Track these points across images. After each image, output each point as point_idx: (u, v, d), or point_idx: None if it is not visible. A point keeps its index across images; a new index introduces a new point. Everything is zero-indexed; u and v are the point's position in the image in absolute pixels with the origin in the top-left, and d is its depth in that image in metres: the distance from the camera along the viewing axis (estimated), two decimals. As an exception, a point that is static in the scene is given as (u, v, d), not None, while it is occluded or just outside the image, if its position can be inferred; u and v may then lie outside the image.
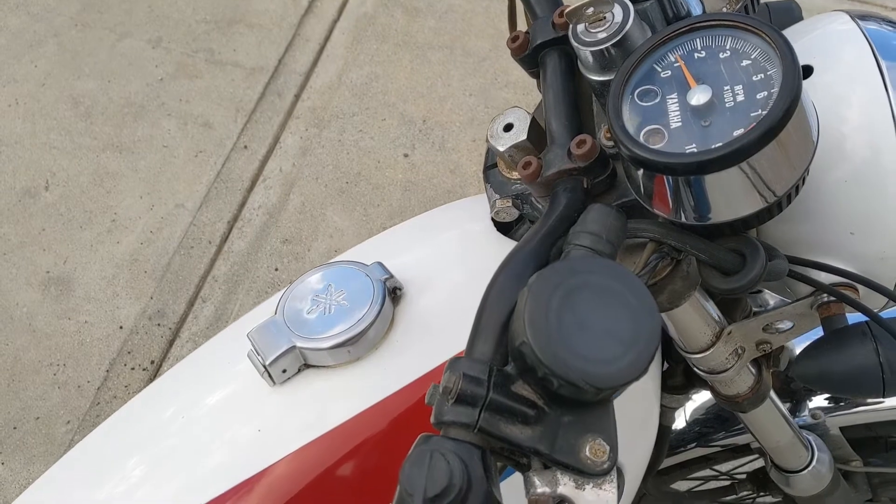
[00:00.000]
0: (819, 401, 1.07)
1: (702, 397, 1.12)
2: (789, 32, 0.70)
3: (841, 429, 1.05)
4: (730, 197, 0.53)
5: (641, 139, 0.54)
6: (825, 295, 0.66)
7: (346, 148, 2.27)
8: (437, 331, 0.67)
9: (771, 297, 0.90)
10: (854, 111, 0.63)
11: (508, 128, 0.67)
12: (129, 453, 0.69)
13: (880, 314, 0.66)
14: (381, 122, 2.31)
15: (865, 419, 1.02)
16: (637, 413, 0.78)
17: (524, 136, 0.66)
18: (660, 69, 0.57)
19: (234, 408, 0.67)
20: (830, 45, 0.66)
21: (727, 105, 0.53)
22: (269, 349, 0.65)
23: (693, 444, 1.10)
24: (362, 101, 2.36)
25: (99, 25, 2.52)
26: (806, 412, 1.04)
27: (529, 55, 0.69)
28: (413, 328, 0.67)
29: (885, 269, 0.64)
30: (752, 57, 0.54)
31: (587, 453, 0.48)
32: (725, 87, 0.54)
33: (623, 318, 0.47)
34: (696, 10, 0.64)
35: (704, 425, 1.11)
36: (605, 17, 0.60)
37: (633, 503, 1.26)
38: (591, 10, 0.59)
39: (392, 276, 0.68)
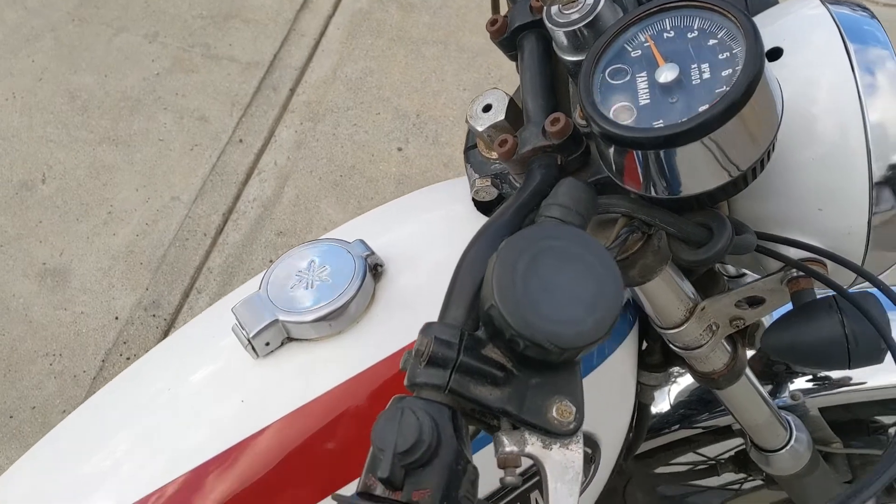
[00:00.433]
0: (800, 383, 1.09)
1: (686, 380, 1.14)
2: (763, 16, 0.72)
3: (821, 411, 1.06)
4: (695, 171, 0.55)
5: (611, 115, 0.56)
6: (794, 270, 0.67)
7: (341, 141, 2.28)
8: (417, 306, 0.69)
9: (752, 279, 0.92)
10: (823, 92, 0.65)
11: (487, 108, 0.69)
12: (115, 427, 0.71)
13: (850, 289, 0.68)
14: (376, 117, 2.33)
15: (843, 400, 1.04)
16: (613, 388, 0.79)
17: (502, 117, 0.68)
18: (630, 49, 0.59)
19: (218, 380, 0.69)
20: (801, 28, 0.68)
21: (694, 82, 0.55)
22: (252, 323, 0.66)
23: (676, 426, 1.12)
24: (357, 95, 2.37)
25: (96, 20, 2.54)
26: (786, 393, 1.05)
27: (508, 38, 0.71)
28: (393, 303, 0.69)
29: (852, 243, 0.66)
30: (719, 36, 0.56)
31: (554, 414, 0.50)
32: (693, 66, 0.56)
33: (587, 282, 0.49)
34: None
35: (688, 407, 1.13)
36: (577, 0, 0.61)
37: (620, 489, 1.29)
38: (564, -9, 0.61)
39: (373, 253, 0.70)
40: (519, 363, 0.50)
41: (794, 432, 0.97)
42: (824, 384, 1.08)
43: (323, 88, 2.39)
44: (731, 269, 0.92)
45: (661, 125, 0.54)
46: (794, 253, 0.67)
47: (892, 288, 0.64)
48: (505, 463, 0.50)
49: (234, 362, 0.69)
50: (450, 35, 2.49)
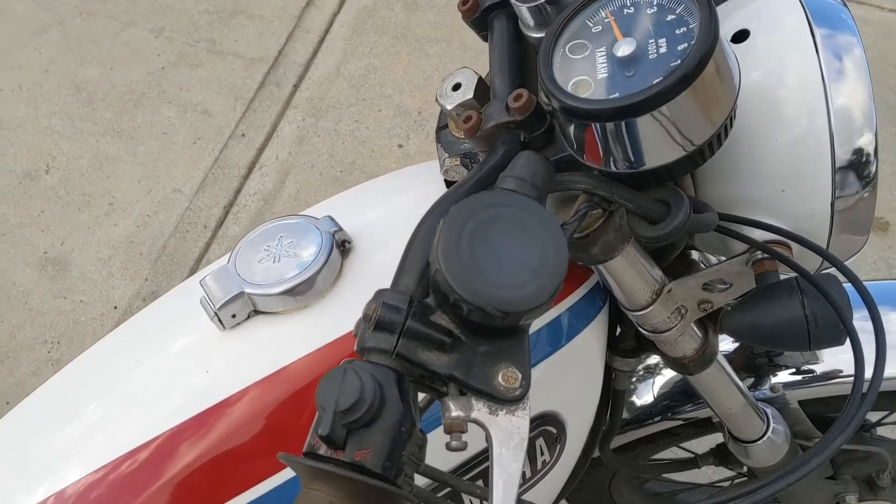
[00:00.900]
0: (784, 376, 1.09)
1: (670, 372, 1.14)
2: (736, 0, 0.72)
3: (802, 404, 1.06)
4: (651, 145, 0.56)
5: (569, 89, 0.57)
6: (759, 252, 0.68)
7: (342, 137, 2.30)
8: (384, 282, 0.69)
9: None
10: (789, 76, 0.65)
11: (457, 87, 0.70)
12: (85, 397, 0.72)
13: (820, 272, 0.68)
14: (377, 113, 2.34)
15: (823, 393, 1.04)
16: (579, 369, 0.80)
17: (471, 95, 0.68)
18: (591, 24, 0.59)
19: (185, 351, 0.70)
20: (770, 11, 0.68)
21: (650, 57, 0.56)
22: (219, 295, 0.67)
23: (658, 418, 1.12)
24: (359, 92, 2.39)
25: (103, 14, 2.57)
26: (766, 386, 1.05)
27: (479, 17, 0.72)
28: (361, 279, 0.70)
29: (815, 225, 0.66)
30: (677, 12, 0.56)
31: (500, 380, 0.50)
32: (650, 41, 0.56)
33: (532, 249, 0.49)
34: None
35: (671, 399, 1.13)
36: (542, -23, 0.62)
37: (606, 483, 1.29)
38: (528, -32, 0.62)
39: (341, 230, 0.71)
40: (467, 330, 0.51)
41: (772, 424, 0.97)
42: (806, 378, 1.07)
43: (326, 85, 2.41)
44: (713, 260, 0.92)
45: (616, 97, 0.54)
46: (762, 236, 0.67)
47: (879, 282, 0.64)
48: (451, 428, 0.50)
49: (202, 334, 0.69)
50: (453, 33, 2.50)
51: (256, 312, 0.69)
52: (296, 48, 2.50)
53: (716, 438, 1.14)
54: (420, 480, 0.56)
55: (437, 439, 0.55)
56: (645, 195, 0.60)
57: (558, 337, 0.75)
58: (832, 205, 0.65)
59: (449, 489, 0.73)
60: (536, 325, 0.73)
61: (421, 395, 0.55)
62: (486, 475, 0.77)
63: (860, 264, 1.96)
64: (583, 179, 0.60)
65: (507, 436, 0.50)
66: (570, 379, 0.79)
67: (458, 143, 0.73)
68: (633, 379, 1.15)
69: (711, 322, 0.80)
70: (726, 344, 1.10)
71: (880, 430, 1.17)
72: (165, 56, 2.47)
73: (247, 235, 0.72)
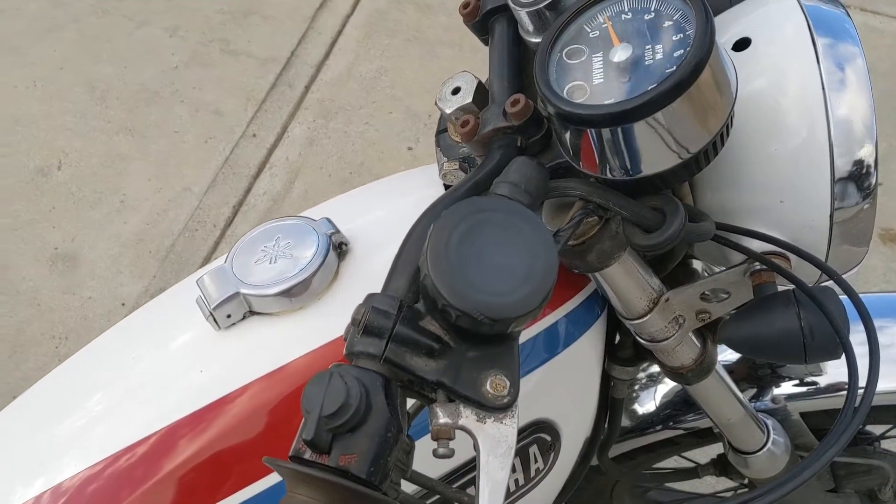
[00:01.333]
0: (787, 388, 1.08)
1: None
2: (740, 7, 0.72)
3: (804, 416, 1.05)
4: (646, 152, 0.55)
5: (564, 94, 0.56)
6: (757, 263, 0.67)
7: (352, 139, 2.30)
8: (380, 285, 0.69)
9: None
10: (790, 84, 0.65)
11: (456, 91, 0.70)
12: (81, 394, 0.72)
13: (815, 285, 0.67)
14: (388, 116, 2.34)
15: (825, 405, 1.03)
16: (575, 377, 0.79)
17: (470, 99, 0.68)
18: (589, 29, 0.59)
19: (180, 350, 0.70)
20: (772, 20, 0.68)
21: (647, 63, 0.55)
22: (214, 295, 0.67)
23: (659, 427, 1.11)
24: (370, 94, 2.39)
25: (118, 13, 2.58)
26: (768, 397, 1.04)
27: (480, 21, 0.71)
28: (357, 281, 0.70)
29: (814, 237, 0.66)
30: (674, 18, 0.56)
31: (488, 388, 0.50)
32: (647, 47, 0.56)
33: (523, 256, 0.49)
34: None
35: (673, 408, 1.12)
36: (541, -19, 0.62)
37: (608, 490, 1.28)
38: (528, -27, 0.61)
39: (338, 231, 0.71)
40: (456, 336, 0.51)
41: (772, 435, 0.96)
42: (809, 390, 1.06)
43: (337, 86, 2.41)
44: (717, 269, 0.92)
45: (611, 103, 0.54)
46: (761, 246, 0.67)
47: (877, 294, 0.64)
48: (438, 435, 0.50)
49: (197, 333, 0.70)
50: (464, 37, 2.48)
51: (252, 313, 0.69)
52: (308, 49, 2.50)
53: (718, 448, 1.14)
54: (408, 487, 0.56)
55: (427, 446, 0.54)
56: (640, 203, 0.60)
57: (554, 344, 0.75)
58: (831, 216, 0.64)
59: (437, 496, 0.73)
60: (532, 331, 0.73)
61: (411, 401, 0.55)
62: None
63: (870, 275, 1.94)
64: (578, 186, 0.60)
65: (494, 444, 0.50)
66: (565, 386, 0.79)
67: (457, 147, 0.73)
68: (636, 387, 1.14)
69: (710, 332, 0.79)
70: (729, 354, 1.09)
71: (884, 444, 1.16)
72: (179, 55, 2.48)
73: (245, 236, 0.72)
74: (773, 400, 1.03)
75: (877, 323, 0.93)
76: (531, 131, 0.63)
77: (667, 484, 1.24)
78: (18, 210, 2.18)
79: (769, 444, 0.95)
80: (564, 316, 0.75)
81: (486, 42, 0.73)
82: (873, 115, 0.63)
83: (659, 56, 0.55)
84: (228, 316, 0.68)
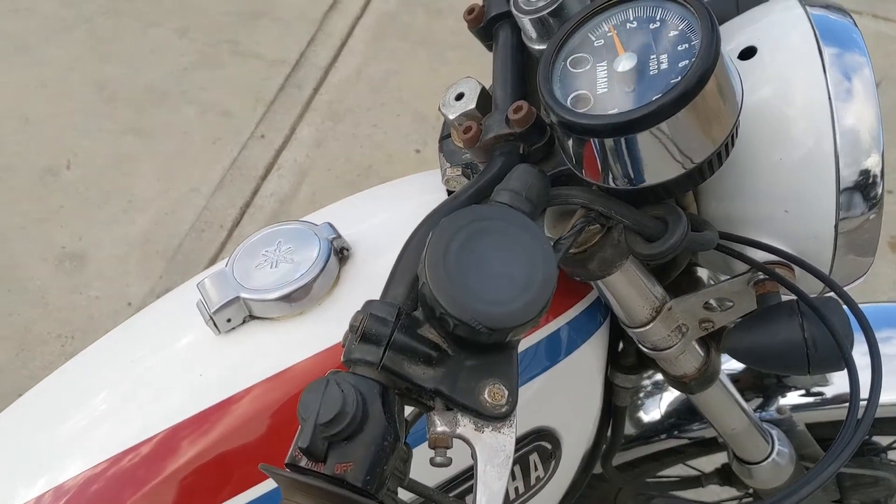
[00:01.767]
0: (793, 398, 1.07)
1: (678, 389, 1.13)
2: (745, 15, 0.71)
3: (809, 427, 1.04)
4: (649, 162, 0.55)
5: (568, 103, 0.56)
6: (760, 273, 0.67)
7: (360, 141, 2.30)
8: (381, 291, 0.69)
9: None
10: (796, 94, 0.64)
11: (460, 97, 0.69)
12: (83, 395, 0.72)
13: (823, 295, 0.67)
14: (396, 118, 2.34)
15: (832, 416, 1.02)
16: (577, 385, 0.79)
17: (473, 105, 0.68)
18: (593, 38, 0.59)
19: (180, 354, 0.70)
20: (778, 28, 0.67)
21: (651, 72, 0.55)
22: (214, 299, 0.67)
23: (664, 436, 1.11)
24: (378, 96, 2.39)
25: (128, 14, 2.59)
26: (773, 407, 1.04)
27: (484, 28, 0.71)
28: (358, 287, 0.69)
29: (818, 247, 0.65)
30: (679, 28, 0.56)
31: (486, 396, 0.50)
32: (652, 56, 0.56)
33: (521, 264, 0.49)
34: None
35: (678, 417, 1.11)
36: (545, -12, 0.62)
37: (611, 498, 1.27)
38: (532, -20, 0.61)
39: (340, 237, 0.71)
40: (454, 344, 0.50)
41: (777, 445, 0.95)
42: (816, 400, 1.06)
43: (346, 89, 2.41)
44: (723, 278, 0.91)
45: (614, 113, 0.54)
46: (764, 256, 0.66)
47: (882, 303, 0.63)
48: (436, 443, 0.50)
49: (197, 337, 0.69)
50: (474, 40, 2.48)
51: (252, 317, 0.69)
52: (317, 51, 2.51)
53: (723, 457, 1.13)
54: (406, 496, 0.56)
55: (425, 454, 0.54)
56: (643, 212, 0.59)
57: (556, 351, 0.74)
58: (836, 226, 0.64)
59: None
60: (534, 338, 0.73)
61: (409, 409, 0.55)
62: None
63: (878, 283, 1.93)
64: (580, 194, 0.60)
65: (492, 453, 0.50)
66: (567, 394, 0.78)
67: (460, 153, 0.73)
68: (640, 395, 1.14)
69: (714, 341, 0.79)
70: (735, 363, 1.08)
71: (891, 455, 1.15)
72: (188, 56, 2.49)
73: (246, 240, 0.72)
74: (779, 410, 1.02)
75: (882, 334, 0.92)
76: (533, 138, 0.63)
77: (671, 492, 1.24)
78: (27, 209, 2.19)
79: (774, 455, 0.94)
80: (566, 323, 0.75)
81: (490, 48, 0.73)
82: (880, 125, 0.63)
83: (664, 66, 0.54)
84: (228, 320, 0.68)
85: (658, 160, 0.55)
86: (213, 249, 2.11)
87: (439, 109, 0.70)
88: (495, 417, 0.50)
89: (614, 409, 0.90)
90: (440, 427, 0.50)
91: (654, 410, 1.13)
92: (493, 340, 0.49)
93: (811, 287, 0.67)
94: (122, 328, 0.77)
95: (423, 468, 0.53)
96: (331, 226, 0.71)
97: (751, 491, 1.15)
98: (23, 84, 2.44)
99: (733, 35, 0.67)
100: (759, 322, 0.65)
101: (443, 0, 2.61)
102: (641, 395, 1.14)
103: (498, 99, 0.66)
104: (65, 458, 0.69)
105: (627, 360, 0.85)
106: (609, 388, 0.88)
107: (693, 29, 0.55)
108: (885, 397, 1.02)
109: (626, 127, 0.53)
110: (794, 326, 0.62)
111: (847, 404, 1.03)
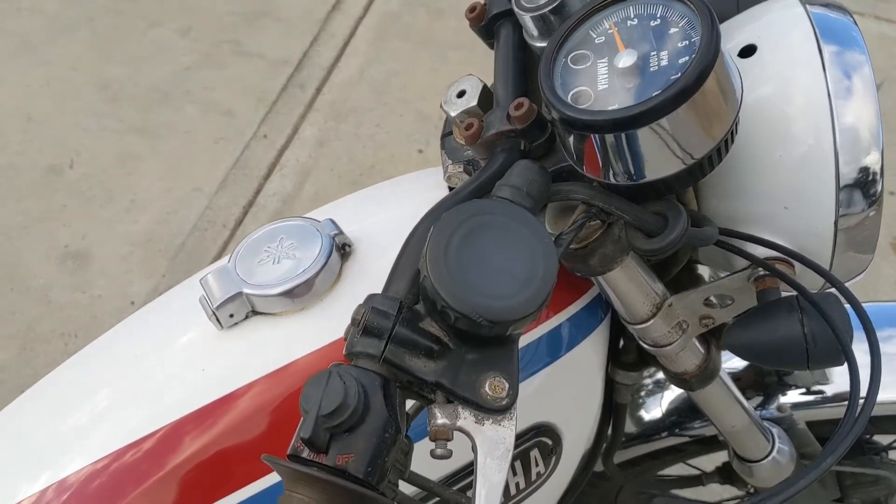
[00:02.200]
0: (794, 396, 1.07)
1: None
2: (746, 14, 0.71)
3: (810, 425, 1.04)
4: (650, 158, 0.55)
5: (569, 99, 0.56)
6: (761, 269, 0.67)
7: (362, 141, 2.31)
8: (383, 286, 0.70)
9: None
10: (796, 92, 0.65)
11: (461, 94, 0.70)
12: (85, 391, 0.72)
13: (823, 291, 0.67)
14: (398, 118, 2.35)
15: (832, 414, 1.02)
16: (577, 381, 0.79)
17: (475, 102, 0.68)
18: (594, 35, 0.59)
19: (182, 349, 0.71)
20: (778, 27, 0.67)
21: (651, 69, 0.55)
22: (217, 294, 0.68)
23: (665, 434, 1.11)
24: (381, 96, 2.40)
25: (132, 14, 2.60)
26: (774, 405, 1.04)
27: (486, 25, 0.72)
28: (360, 282, 0.70)
29: (818, 243, 0.65)
30: (680, 25, 0.56)
31: (487, 389, 0.50)
32: (652, 53, 0.56)
33: (522, 259, 0.49)
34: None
35: (679, 415, 1.12)
36: (546, -15, 0.62)
37: (612, 496, 1.28)
38: (533, -23, 0.62)
39: (341, 233, 0.71)
40: (455, 337, 0.51)
41: (777, 443, 0.95)
42: (816, 398, 1.06)
43: (348, 88, 2.42)
44: (723, 275, 0.91)
45: (615, 109, 0.54)
46: (764, 252, 0.66)
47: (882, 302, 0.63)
48: (436, 435, 0.50)
49: (199, 332, 0.70)
50: (475, 39, 2.49)
51: (254, 313, 0.69)
52: (320, 51, 2.52)
53: (723, 456, 1.13)
54: (407, 488, 0.56)
55: (427, 447, 0.54)
56: (643, 208, 0.60)
57: (557, 347, 0.75)
58: (835, 223, 0.64)
59: (436, 498, 0.73)
60: (534, 334, 0.73)
61: (410, 402, 0.55)
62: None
63: (881, 284, 1.93)
64: (581, 190, 0.60)
65: (492, 445, 0.50)
66: (567, 390, 0.79)
67: (461, 150, 0.73)
68: (642, 393, 1.14)
69: (714, 338, 0.79)
70: (736, 361, 1.09)
71: (892, 454, 1.15)
72: (191, 56, 2.49)
73: (248, 236, 0.72)
74: (779, 408, 1.03)
75: (883, 333, 0.92)
76: (535, 135, 0.63)
77: (671, 491, 1.24)
78: (30, 208, 2.20)
79: (774, 453, 0.94)
80: (567, 319, 0.75)
81: (491, 46, 0.73)
82: (879, 122, 0.63)
83: (664, 62, 0.55)
84: (231, 315, 0.68)
85: (658, 156, 0.55)
86: (215, 248, 2.12)
87: (441, 106, 0.71)
88: (496, 410, 0.50)
89: (615, 406, 0.91)
90: (441, 419, 0.50)
91: (655, 408, 1.14)
92: (493, 334, 0.49)
93: (811, 284, 0.67)
94: (125, 324, 0.78)
95: (425, 462, 0.53)
96: (333, 222, 0.71)
97: (751, 489, 1.15)
98: (26, 83, 2.45)
99: (733, 33, 0.68)
100: (758, 318, 0.65)
101: (444, 0, 2.62)
102: (642, 393, 1.14)
103: (499, 96, 0.66)
104: (67, 453, 0.69)
105: (628, 357, 0.86)
106: (610, 385, 0.89)
107: (693, 26, 0.55)
108: (886, 395, 1.03)
109: (627, 123, 0.53)
110: (793, 322, 0.63)
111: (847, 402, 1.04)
